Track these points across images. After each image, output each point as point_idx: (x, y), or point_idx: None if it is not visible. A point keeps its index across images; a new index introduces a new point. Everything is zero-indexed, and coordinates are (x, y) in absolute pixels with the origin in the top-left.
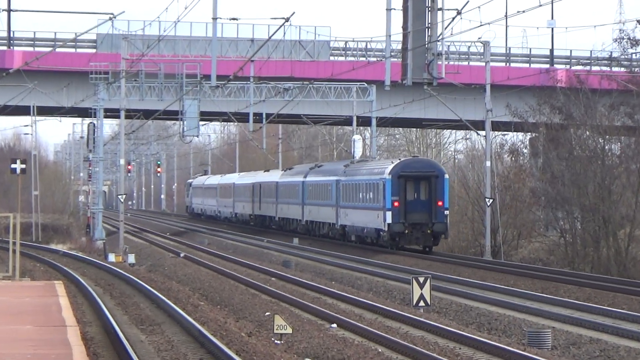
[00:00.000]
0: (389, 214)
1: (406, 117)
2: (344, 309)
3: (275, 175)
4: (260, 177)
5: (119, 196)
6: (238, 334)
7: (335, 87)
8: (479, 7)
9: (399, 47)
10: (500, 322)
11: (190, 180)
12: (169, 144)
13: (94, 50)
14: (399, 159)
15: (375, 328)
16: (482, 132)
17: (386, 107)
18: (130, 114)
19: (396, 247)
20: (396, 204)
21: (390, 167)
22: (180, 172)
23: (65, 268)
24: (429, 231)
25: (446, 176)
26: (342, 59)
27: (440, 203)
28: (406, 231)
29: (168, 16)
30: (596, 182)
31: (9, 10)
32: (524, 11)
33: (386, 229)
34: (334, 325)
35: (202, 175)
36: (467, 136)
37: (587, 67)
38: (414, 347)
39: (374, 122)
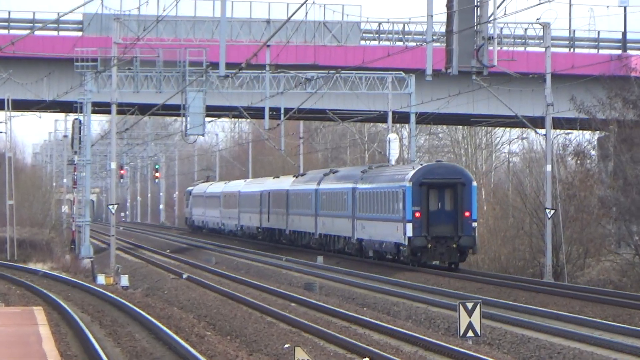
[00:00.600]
0: (409, 226)
1: (451, 113)
2: (377, 341)
3: (286, 182)
4: (269, 184)
5: (110, 206)
6: None
7: (366, 77)
8: None
9: (443, 29)
10: (564, 355)
11: (190, 188)
12: (169, 145)
13: (79, 34)
14: (421, 164)
15: None
16: (542, 131)
17: (427, 100)
18: (123, 108)
19: (418, 263)
20: (418, 214)
21: (411, 173)
22: (183, 178)
23: (45, 291)
24: (454, 246)
25: (474, 183)
26: (375, 43)
27: (467, 214)
28: (429, 245)
29: None
30: None
31: None
32: None
33: (406, 243)
34: (366, 359)
35: (203, 182)
36: (524, 135)
37: None
38: None
39: (412, 118)
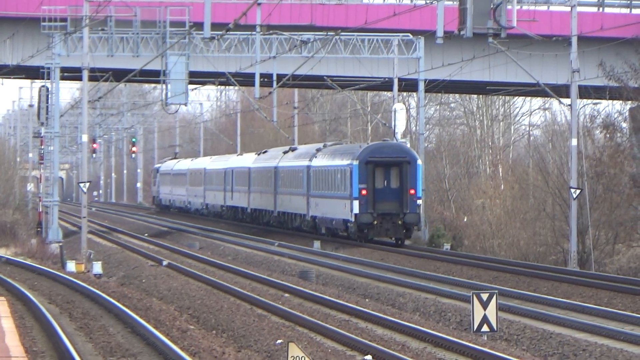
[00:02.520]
0: (356, 204)
1: (464, 80)
2: (381, 336)
3: (249, 160)
4: (233, 161)
5: (81, 184)
6: None
7: (369, 40)
8: None
9: None
10: (590, 353)
11: (157, 165)
12: (148, 116)
13: None
14: (367, 143)
15: None
16: (567, 100)
17: (438, 66)
18: (96, 74)
19: (365, 239)
20: (364, 192)
21: (358, 152)
22: (163, 152)
23: (8, 280)
24: (400, 222)
25: (419, 162)
26: (379, 1)
27: (412, 191)
28: (375, 222)
29: None
30: None
31: None
32: None
33: (353, 219)
34: (369, 357)
35: (171, 159)
36: (546, 105)
37: None
38: None
39: (421, 86)
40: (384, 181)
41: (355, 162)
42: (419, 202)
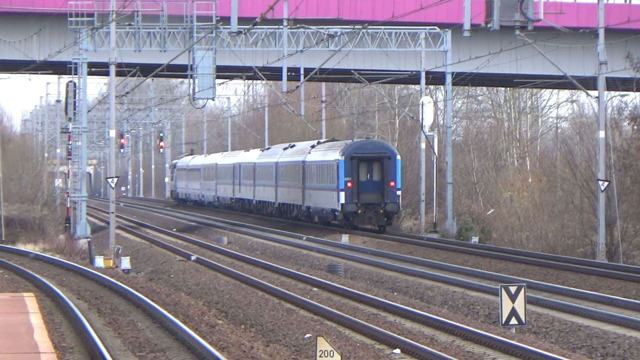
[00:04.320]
0: (342, 195)
1: (492, 73)
2: (409, 329)
3: (254, 156)
4: (240, 157)
5: (109, 180)
6: None
7: (397, 33)
8: None
9: None
10: (619, 345)
11: (175, 161)
12: (175, 110)
13: None
14: (352, 140)
15: (452, 354)
16: (594, 93)
17: (465, 59)
18: (123, 69)
19: (350, 226)
20: (349, 184)
21: (343, 148)
22: (191, 147)
23: (37, 276)
24: (381, 211)
25: (398, 157)
26: None
27: (392, 183)
28: (359, 211)
29: None
30: None
31: None
32: None
33: (340, 209)
34: (397, 350)
35: (187, 155)
36: (574, 98)
37: None
38: None
39: (449, 79)
40: (367, 174)
41: (342, 158)
42: (398, 192)
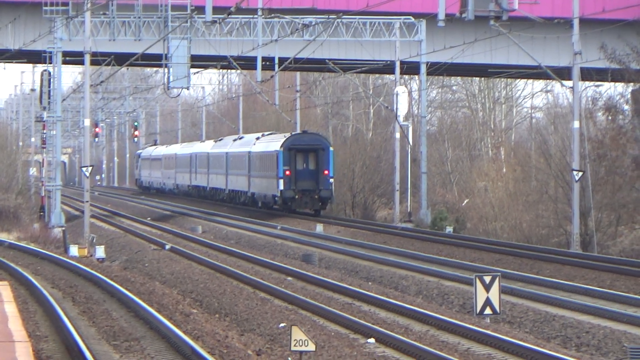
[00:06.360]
0: (281, 182)
1: (466, 63)
2: (384, 319)
3: (208, 146)
4: (196, 147)
5: (83, 169)
6: (243, 352)
7: (371, 23)
8: None
9: None
10: (593, 335)
11: (139, 152)
12: (150, 100)
13: None
14: (291, 134)
15: (427, 344)
16: (569, 83)
17: (440, 49)
18: (98, 58)
19: (288, 210)
20: (288, 172)
21: (282, 140)
22: (166, 136)
23: (11, 265)
24: (316, 197)
25: (331, 149)
26: None
27: (325, 172)
28: (297, 196)
29: None
30: None
31: None
32: None
33: (279, 195)
34: (372, 340)
35: (151, 146)
36: (548, 88)
37: None
38: None
39: (423, 69)
40: (304, 164)
41: (281, 149)
42: (331, 180)
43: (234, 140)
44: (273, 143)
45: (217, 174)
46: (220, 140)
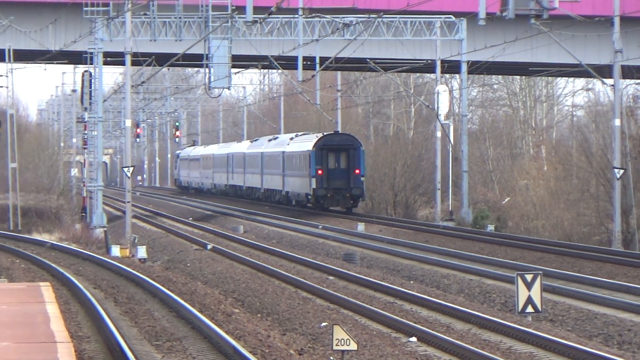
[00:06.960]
0: (314, 181)
1: (507, 62)
2: (425, 317)
3: (244, 146)
4: (233, 148)
5: (125, 169)
6: (285, 352)
7: (412, 22)
8: None
9: None
10: (635, 333)
11: (178, 152)
12: (191, 100)
13: None
14: (323, 134)
15: (468, 343)
16: (610, 81)
17: (480, 48)
18: (139, 59)
19: (321, 208)
20: (320, 172)
21: (315, 140)
22: (207, 136)
23: (53, 265)
24: (347, 195)
25: (362, 148)
26: None
27: (357, 171)
28: (329, 195)
29: None
30: None
31: None
32: None
33: (312, 193)
34: (413, 338)
35: (190, 146)
36: (589, 86)
37: None
38: None
39: (464, 67)
40: (335, 163)
41: (313, 149)
42: (362, 179)
43: (269, 140)
44: (306, 143)
45: (252, 174)
46: (256, 140)
